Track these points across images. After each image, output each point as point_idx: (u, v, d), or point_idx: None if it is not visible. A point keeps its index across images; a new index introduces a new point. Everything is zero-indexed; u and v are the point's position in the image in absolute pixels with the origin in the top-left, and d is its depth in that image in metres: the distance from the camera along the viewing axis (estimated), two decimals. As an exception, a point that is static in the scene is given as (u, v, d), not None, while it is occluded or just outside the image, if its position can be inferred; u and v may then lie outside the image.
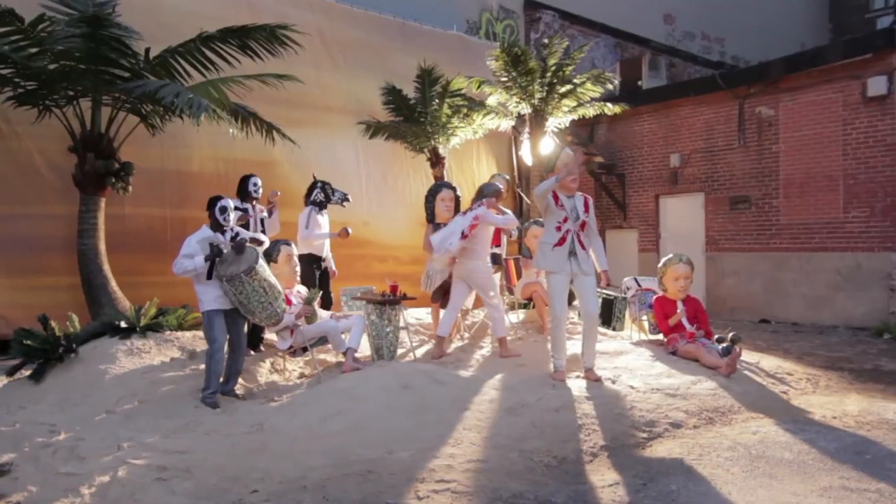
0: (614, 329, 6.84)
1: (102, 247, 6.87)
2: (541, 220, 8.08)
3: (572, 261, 5.26)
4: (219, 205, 5.16)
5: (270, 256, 5.73)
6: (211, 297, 4.97)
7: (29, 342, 5.38)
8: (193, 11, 8.14)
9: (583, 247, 5.32)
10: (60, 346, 5.39)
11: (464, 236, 6.01)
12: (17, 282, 7.11)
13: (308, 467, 3.71)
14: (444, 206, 6.73)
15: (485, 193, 6.54)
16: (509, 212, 6.76)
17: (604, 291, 6.68)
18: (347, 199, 7.21)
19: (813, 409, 5.02)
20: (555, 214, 5.28)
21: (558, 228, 5.27)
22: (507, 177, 7.84)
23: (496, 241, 7.50)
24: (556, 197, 5.28)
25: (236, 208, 6.05)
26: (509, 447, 4.01)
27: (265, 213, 6.85)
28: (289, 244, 5.93)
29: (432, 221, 6.82)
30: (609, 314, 6.81)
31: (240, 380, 5.38)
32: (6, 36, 6.11)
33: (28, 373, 5.41)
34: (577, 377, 5.39)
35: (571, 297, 6.10)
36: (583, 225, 5.34)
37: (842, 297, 9.36)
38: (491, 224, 6.30)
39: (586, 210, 5.39)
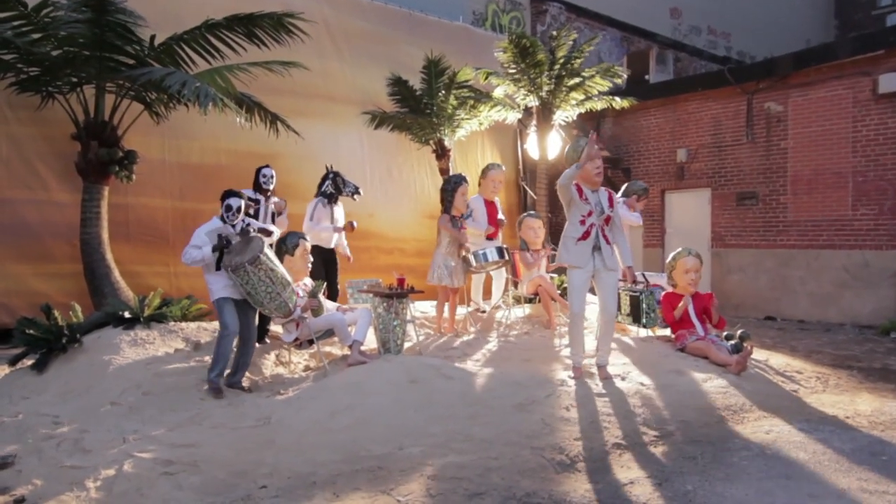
0: (645, 326, 6.70)
1: (105, 236, 6.81)
2: (534, 212, 8.03)
3: (596, 256, 5.15)
4: (225, 203, 5.07)
5: (287, 249, 5.67)
6: (220, 286, 4.97)
7: (32, 332, 5.32)
8: (199, -1, 8.04)
9: (608, 241, 5.20)
10: (64, 335, 5.33)
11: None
12: (19, 269, 7.05)
13: (317, 462, 3.66)
14: (463, 201, 6.70)
15: (632, 190, 7.17)
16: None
17: (630, 288, 6.60)
18: (358, 193, 7.04)
19: (825, 408, 4.95)
20: (579, 208, 5.15)
21: (582, 222, 5.14)
22: (504, 167, 7.76)
23: (494, 235, 7.45)
24: (580, 190, 5.16)
25: (249, 198, 5.98)
26: (520, 444, 3.95)
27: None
28: (305, 238, 5.88)
29: (448, 212, 6.73)
30: (637, 311, 6.67)
31: (246, 372, 5.32)
32: (9, 21, 6.03)
33: (31, 362, 5.34)
34: (589, 374, 5.33)
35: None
36: (607, 220, 5.23)
37: (849, 295, 9.31)
38: (624, 220, 6.63)
39: (611, 205, 5.26)
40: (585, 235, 5.13)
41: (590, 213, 5.14)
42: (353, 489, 3.40)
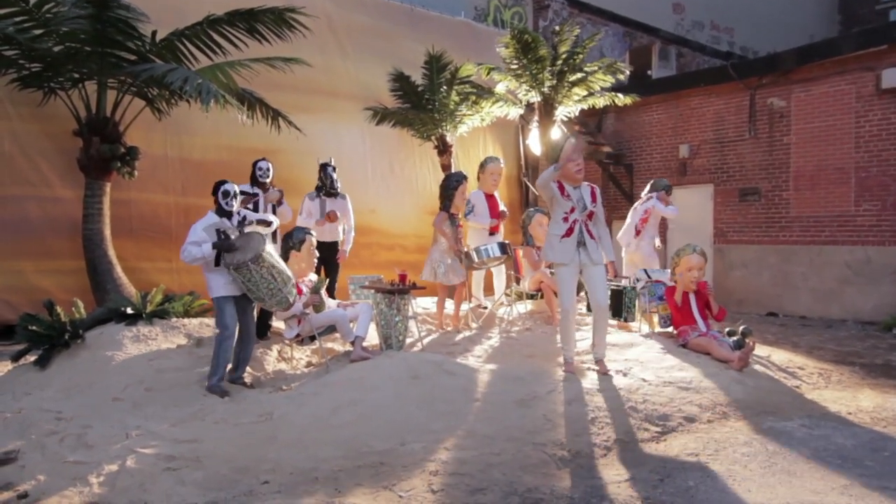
0: (625, 320, 6.74)
1: (108, 232, 6.82)
2: (543, 208, 8.05)
3: (581, 251, 5.17)
4: (221, 189, 5.03)
5: (293, 244, 5.66)
6: (220, 284, 4.91)
7: (34, 328, 5.33)
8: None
9: (592, 236, 5.22)
10: (66, 331, 5.34)
11: (637, 233, 7.12)
12: (21, 265, 7.06)
13: (319, 458, 3.66)
14: (462, 199, 6.70)
15: (659, 187, 7.49)
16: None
17: (612, 282, 6.60)
18: (335, 188, 6.90)
19: (827, 404, 4.96)
20: (561, 205, 5.18)
21: (565, 219, 5.17)
22: (502, 160, 7.78)
23: (496, 229, 7.46)
24: (561, 187, 5.17)
25: (244, 192, 5.97)
26: (522, 440, 3.95)
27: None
28: (311, 234, 5.88)
29: (447, 210, 6.73)
30: (619, 305, 6.71)
31: (248, 368, 5.33)
32: (11, 17, 6.02)
33: (33, 358, 5.35)
34: (589, 369, 5.33)
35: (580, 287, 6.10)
36: (590, 215, 5.25)
37: (851, 291, 9.29)
38: (662, 215, 7.31)
39: (594, 200, 5.27)
40: (569, 232, 5.16)
41: (572, 210, 5.16)
42: (354, 485, 3.41)
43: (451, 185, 6.73)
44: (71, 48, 6.25)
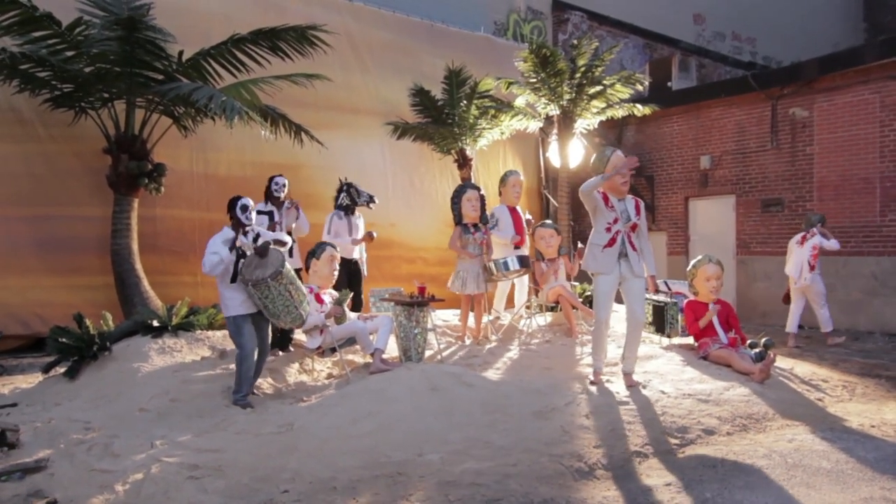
0: (668, 336, 6.71)
1: (135, 247, 6.98)
2: (547, 221, 8.06)
3: (622, 263, 5.17)
4: (240, 203, 5.07)
5: (314, 254, 5.77)
6: (237, 302, 4.91)
7: (64, 340, 5.48)
8: (224, 14, 8.25)
9: (634, 248, 5.21)
10: (95, 344, 5.48)
11: (811, 268, 7.38)
12: (53, 281, 7.25)
13: (338, 468, 3.72)
14: (470, 207, 6.74)
15: (815, 222, 7.61)
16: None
17: (653, 297, 6.60)
18: (373, 201, 7.14)
19: (850, 417, 4.89)
20: (604, 216, 5.18)
21: (608, 230, 5.17)
22: (520, 172, 7.86)
23: (521, 243, 7.50)
24: (605, 198, 5.18)
25: (259, 212, 6.07)
26: (539, 451, 3.97)
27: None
28: (335, 247, 5.97)
29: (460, 223, 6.81)
30: (662, 320, 6.68)
31: (269, 380, 5.42)
32: (44, 39, 6.24)
33: (63, 370, 5.51)
34: (608, 381, 5.33)
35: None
36: (633, 227, 5.25)
37: (878, 303, 9.14)
38: (827, 247, 7.42)
39: (637, 213, 5.28)
40: (611, 242, 5.15)
41: (615, 221, 5.15)
42: (372, 494, 3.46)
43: (455, 198, 6.89)
44: (101, 69, 6.45)
